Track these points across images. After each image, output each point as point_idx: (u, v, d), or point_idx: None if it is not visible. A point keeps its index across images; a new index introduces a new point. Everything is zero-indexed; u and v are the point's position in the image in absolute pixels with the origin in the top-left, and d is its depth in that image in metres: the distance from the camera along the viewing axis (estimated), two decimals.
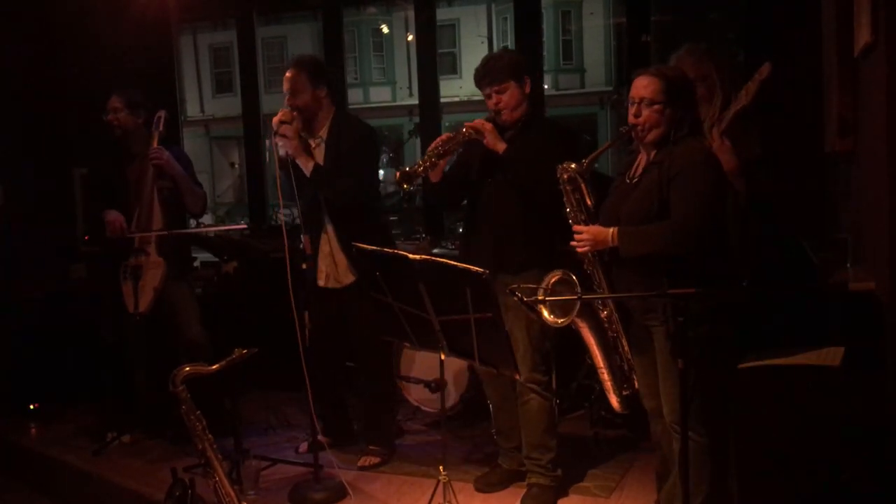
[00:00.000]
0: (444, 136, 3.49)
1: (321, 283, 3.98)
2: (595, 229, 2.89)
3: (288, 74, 3.88)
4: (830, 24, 3.84)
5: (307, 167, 3.80)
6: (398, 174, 3.43)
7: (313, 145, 3.95)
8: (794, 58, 4.37)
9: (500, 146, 3.39)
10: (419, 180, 3.50)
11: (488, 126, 3.42)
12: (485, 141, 3.41)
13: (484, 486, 3.69)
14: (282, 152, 3.77)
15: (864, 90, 3.46)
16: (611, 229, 2.84)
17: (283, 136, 3.73)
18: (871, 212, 3.26)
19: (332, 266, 3.96)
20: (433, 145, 3.46)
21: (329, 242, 3.95)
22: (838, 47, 3.67)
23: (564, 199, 3.02)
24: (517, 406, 3.58)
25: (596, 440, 4.10)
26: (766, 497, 2.96)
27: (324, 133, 3.96)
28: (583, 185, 2.99)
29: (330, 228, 3.94)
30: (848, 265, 3.41)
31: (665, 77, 2.80)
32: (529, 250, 3.41)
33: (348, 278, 3.94)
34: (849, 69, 3.63)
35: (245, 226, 5.19)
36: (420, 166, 3.42)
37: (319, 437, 4.17)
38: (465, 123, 3.46)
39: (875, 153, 3.08)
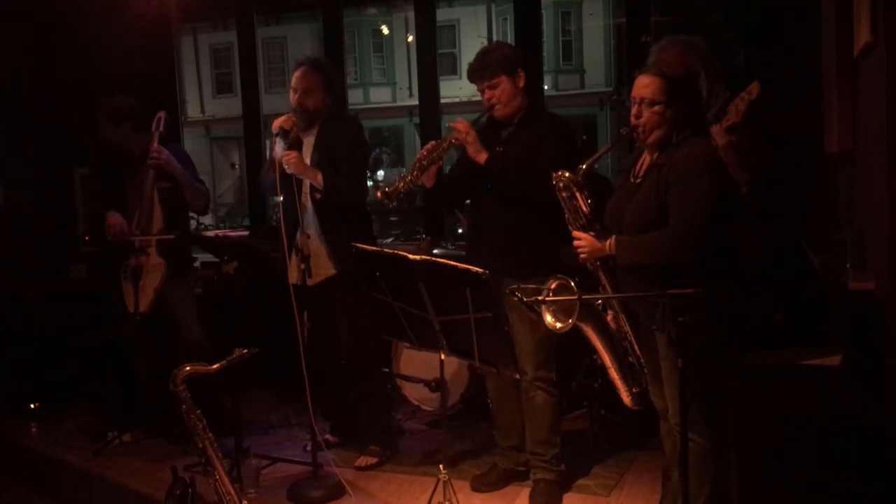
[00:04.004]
0: (430, 144, 3.43)
1: (292, 280, 3.82)
2: (591, 239, 2.88)
3: (301, 72, 3.85)
4: (830, 24, 3.84)
5: (317, 181, 3.78)
6: (379, 194, 3.40)
7: (306, 143, 3.91)
8: (793, 58, 4.37)
9: (481, 157, 3.34)
10: (401, 194, 3.43)
11: (471, 137, 3.36)
12: (468, 150, 3.38)
13: (481, 486, 3.68)
14: (288, 171, 3.71)
15: (863, 90, 3.46)
16: (608, 241, 2.82)
17: (288, 162, 3.68)
18: (871, 212, 3.26)
19: (297, 263, 3.79)
20: (419, 156, 3.41)
21: (305, 242, 3.79)
22: (838, 47, 3.67)
23: (562, 205, 3.00)
24: (520, 404, 3.56)
25: (596, 439, 4.10)
26: (766, 497, 2.96)
27: (315, 129, 3.93)
28: (577, 193, 2.96)
29: (313, 226, 3.86)
30: (848, 265, 3.40)
31: (666, 76, 2.75)
32: (534, 254, 3.38)
33: (327, 272, 3.87)
34: (849, 69, 3.63)
35: (246, 231, 5.12)
36: (401, 182, 3.38)
37: (328, 436, 4.18)
38: (451, 125, 3.42)
39: (875, 153, 3.07)
